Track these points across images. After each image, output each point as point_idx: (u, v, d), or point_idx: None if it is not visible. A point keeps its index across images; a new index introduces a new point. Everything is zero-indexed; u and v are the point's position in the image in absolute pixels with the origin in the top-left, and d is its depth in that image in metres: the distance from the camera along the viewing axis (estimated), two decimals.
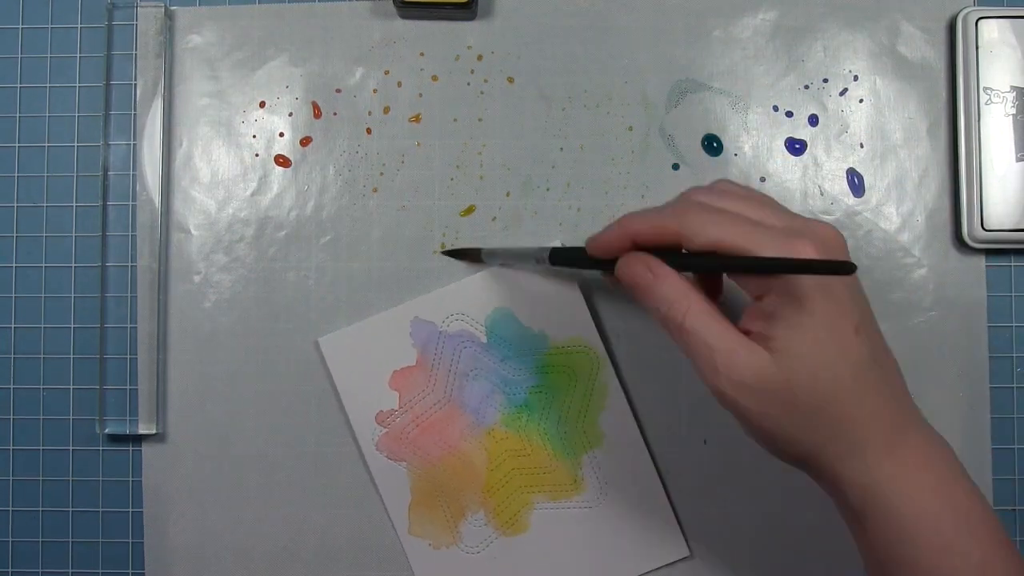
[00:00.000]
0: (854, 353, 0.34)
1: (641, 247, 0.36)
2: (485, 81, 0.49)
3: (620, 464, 0.47)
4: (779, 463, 0.48)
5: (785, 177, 0.48)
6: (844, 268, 0.30)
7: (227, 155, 0.49)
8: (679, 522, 0.47)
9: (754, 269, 0.34)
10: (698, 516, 0.47)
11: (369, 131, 0.49)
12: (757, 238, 0.33)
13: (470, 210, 0.48)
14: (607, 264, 0.38)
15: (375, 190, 0.48)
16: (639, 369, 0.48)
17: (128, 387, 0.48)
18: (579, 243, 0.48)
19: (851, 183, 0.48)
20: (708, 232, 0.34)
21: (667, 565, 0.47)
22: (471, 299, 0.47)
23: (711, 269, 0.37)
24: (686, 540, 0.47)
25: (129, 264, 0.49)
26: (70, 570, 0.48)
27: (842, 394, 0.34)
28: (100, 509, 0.48)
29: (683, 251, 0.35)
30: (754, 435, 0.36)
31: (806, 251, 0.33)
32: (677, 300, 0.34)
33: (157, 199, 0.48)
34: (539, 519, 0.47)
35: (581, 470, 0.47)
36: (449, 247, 0.48)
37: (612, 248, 0.37)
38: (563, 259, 0.42)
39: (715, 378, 0.34)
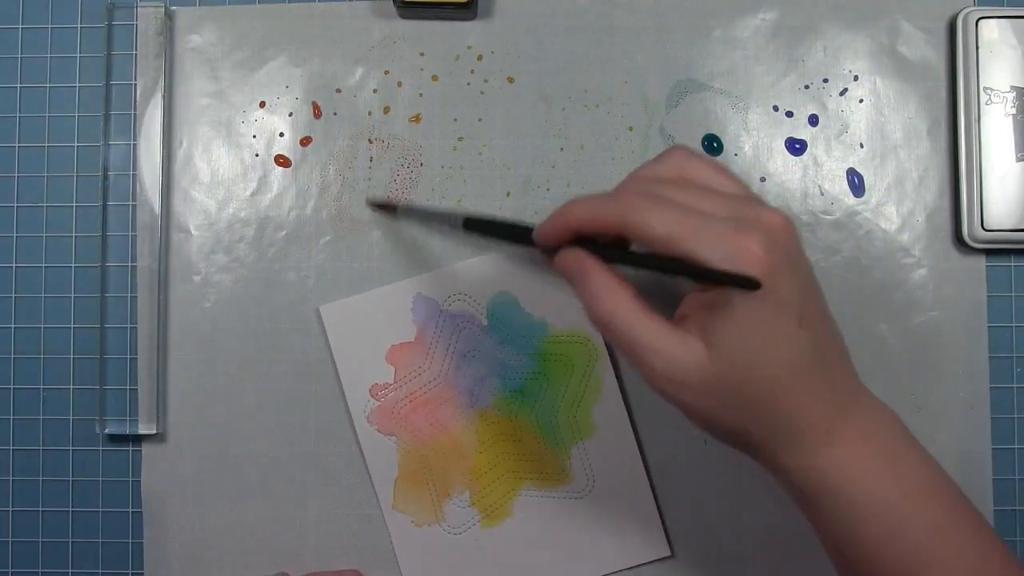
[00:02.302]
0: (795, 347, 0.34)
1: (585, 237, 0.35)
2: (485, 81, 0.49)
3: (609, 458, 0.47)
4: None
5: (785, 177, 0.48)
6: (749, 284, 0.31)
7: (227, 155, 0.49)
8: (663, 521, 0.47)
9: (677, 272, 0.34)
10: (688, 518, 0.47)
11: (369, 131, 0.49)
12: (702, 235, 0.32)
13: (469, 210, 0.48)
14: (526, 241, 0.37)
15: (375, 190, 0.48)
16: (634, 379, 0.48)
17: (128, 387, 0.48)
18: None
19: (851, 183, 0.48)
20: (651, 226, 0.33)
21: (647, 563, 0.47)
22: (475, 280, 0.47)
23: (645, 266, 0.35)
24: (669, 540, 0.47)
25: (129, 264, 0.49)
26: (70, 570, 0.48)
27: (780, 388, 0.34)
28: (100, 509, 0.48)
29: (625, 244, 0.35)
30: (695, 424, 0.35)
31: (751, 248, 0.32)
32: (604, 297, 0.34)
33: (157, 199, 0.48)
34: (523, 506, 0.47)
35: (570, 460, 0.47)
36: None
37: (556, 238, 0.36)
38: (478, 228, 0.40)
39: (652, 376, 0.34)
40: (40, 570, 0.48)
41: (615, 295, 0.34)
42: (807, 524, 0.47)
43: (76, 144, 0.49)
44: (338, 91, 0.49)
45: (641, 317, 0.34)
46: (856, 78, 0.49)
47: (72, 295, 0.49)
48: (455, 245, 0.48)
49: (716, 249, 0.32)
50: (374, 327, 0.47)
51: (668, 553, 0.47)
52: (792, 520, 0.47)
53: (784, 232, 0.34)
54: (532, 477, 0.47)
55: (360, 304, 0.48)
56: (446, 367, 0.47)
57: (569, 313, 0.47)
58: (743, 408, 0.34)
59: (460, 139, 0.49)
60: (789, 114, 0.48)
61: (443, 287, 0.48)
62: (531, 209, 0.48)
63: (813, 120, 0.48)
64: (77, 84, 0.49)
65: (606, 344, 0.47)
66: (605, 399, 0.47)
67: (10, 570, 0.48)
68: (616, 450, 0.47)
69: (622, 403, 0.47)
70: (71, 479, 0.48)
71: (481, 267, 0.48)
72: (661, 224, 0.33)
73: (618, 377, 0.47)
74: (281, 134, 0.49)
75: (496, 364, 0.47)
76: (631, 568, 0.47)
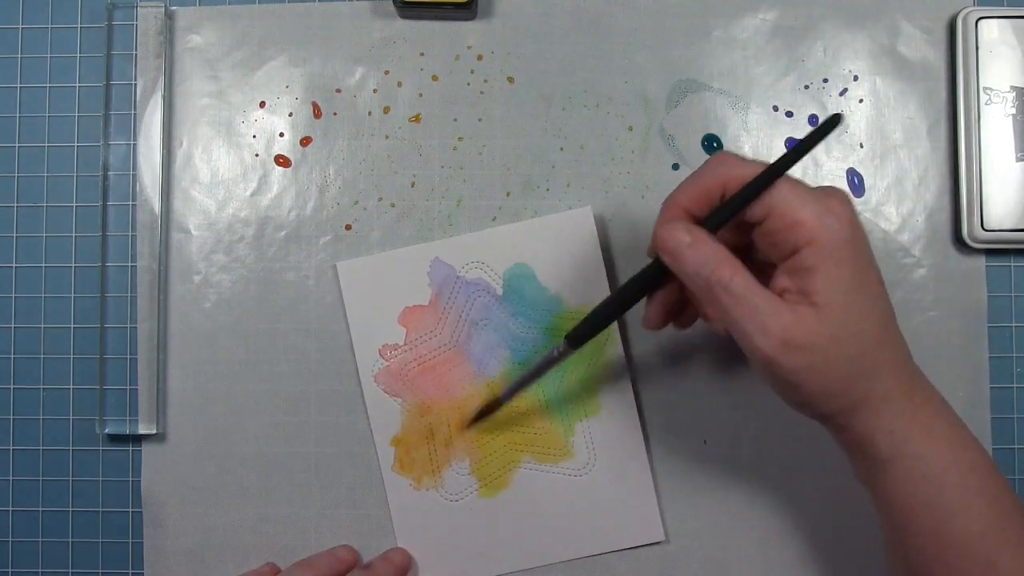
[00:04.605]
0: (881, 304, 0.36)
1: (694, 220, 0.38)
2: (485, 81, 0.49)
3: (612, 439, 0.47)
4: (775, 465, 0.48)
5: None
6: (835, 120, 0.35)
7: (227, 155, 0.49)
8: (660, 506, 0.47)
9: (780, 171, 0.36)
10: (685, 505, 0.48)
11: (369, 131, 0.49)
12: (790, 185, 0.35)
13: (469, 210, 0.48)
14: (640, 294, 0.39)
15: (375, 190, 0.48)
16: (642, 367, 0.48)
17: (128, 387, 0.48)
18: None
19: (851, 183, 0.48)
20: (748, 172, 0.36)
21: (640, 547, 0.47)
22: (494, 250, 0.47)
23: (746, 198, 0.36)
24: (664, 525, 0.47)
25: (129, 264, 0.49)
26: (70, 570, 0.48)
27: (875, 344, 0.35)
28: (100, 509, 0.48)
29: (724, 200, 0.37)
30: (791, 395, 0.36)
31: (835, 206, 0.35)
32: (722, 263, 0.35)
33: (157, 199, 0.48)
34: (522, 478, 0.47)
35: (573, 437, 0.47)
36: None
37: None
38: (584, 334, 0.41)
39: (764, 339, 0.34)
40: (40, 570, 0.48)
41: (732, 262, 0.35)
42: (799, 523, 0.47)
43: (76, 144, 0.49)
44: (338, 91, 0.49)
45: (757, 285, 0.35)
46: (856, 78, 0.49)
47: (72, 295, 0.49)
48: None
49: (806, 200, 0.35)
50: (389, 287, 0.48)
51: (662, 538, 0.47)
52: (785, 518, 0.47)
53: (851, 200, 0.36)
54: (534, 450, 0.47)
55: (377, 263, 0.48)
56: (457, 333, 0.47)
57: (585, 290, 0.47)
58: (844, 369, 0.35)
59: (460, 139, 0.49)
60: (789, 114, 0.48)
61: (461, 253, 0.48)
62: (531, 209, 0.48)
63: (813, 120, 0.48)
64: (77, 84, 0.49)
65: (620, 327, 0.47)
66: (613, 380, 0.47)
67: (10, 570, 0.48)
68: (620, 431, 0.47)
69: (630, 385, 0.47)
70: (71, 479, 0.48)
71: (501, 237, 0.48)
72: (755, 166, 0.36)
73: (628, 359, 0.47)
74: (281, 134, 0.49)
75: (507, 335, 0.47)
76: (624, 549, 0.47)
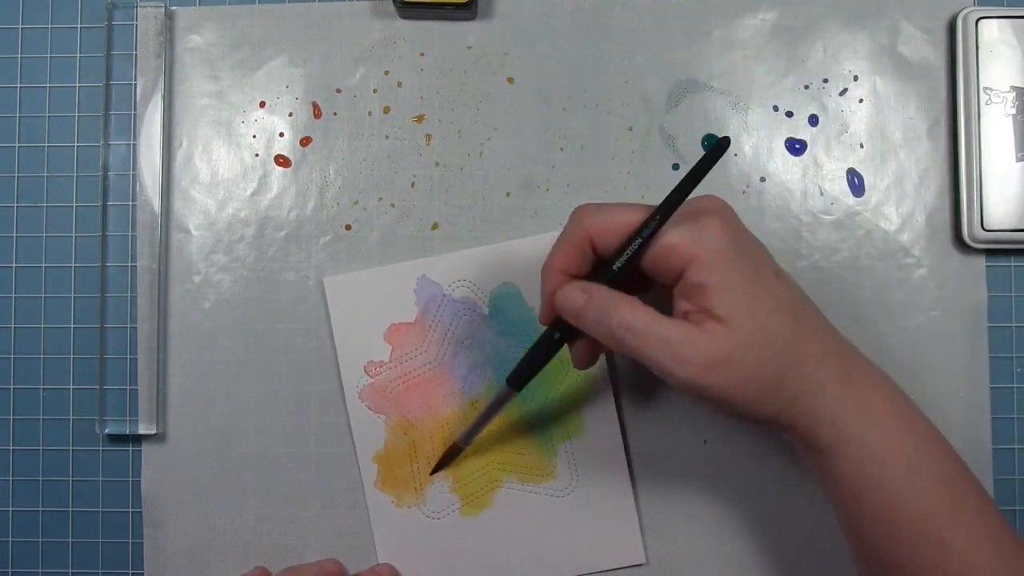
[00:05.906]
0: (785, 296, 0.36)
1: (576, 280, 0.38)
2: (485, 81, 0.49)
3: (595, 460, 0.47)
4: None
5: (785, 177, 0.48)
6: (724, 143, 0.35)
7: (227, 155, 0.49)
8: (641, 529, 0.47)
9: (676, 202, 0.35)
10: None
11: (369, 131, 0.49)
12: (655, 208, 0.36)
13: (469, 210, 0.48)
14: (559, 333, 0.39)
15: (375, 190, 0.48)
16: (639, 368, 0.48)
17: (128, 387, 0.48)
18: None
19: (851, 183, 0.48)
20: (615, 219, 0.36)
21: (621, 569, 0.47)
22: (481, 269, 0.47)
23: (632, 249, 0.36)
24: (645, 548, 0.47)
25: (129, 264, 0.49)
26: (70, 570, 0.48)
27: (792, 339, 0.35)
28: (100, 509, 0.48)
29: (602, 259, 0.37)
30: (727, 410, 0.36)
31: (710, 222, 0.35)
32: (618, 306, 0.35)
33: (157, 199, 0.48)
34: (504, 498, 0.47)
35: (556, 458, 0.47)
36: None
37: (552, 294, 0.38)
38: (524, 374, 0.41)
39: (684, 368, 0.34)
40: (40, 570, 0.48)
41: (629, 303, 0.35)
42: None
43: (76, 144, 0.49)
44: (338, 91, 0.49)
45: (659, 318, 0.35)
46: (856, 78, 0.49)
47: (72, 295, 0.49)
48: (459, 240, 0.48)
49: (681, 230, 0.35)
50: (375, 304, 0.47)
51: (643, 561, 0.47)
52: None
53: (727, 206, 0.37)
54: (516, 470, 0.47)
55: (364, 280, 0.48)
56: (443, 351, 0.47)
57: None
58: (769, 374, 0.35)
59: (460, 139, 0.49)
60: (789, 114, 0.48)
61: (448, 272, 0.48)
62: (531, 209, 0.48)
63: (813, 120, 0.48)
64: (77, 84, 0.49)
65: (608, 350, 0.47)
66: (597, 401, 0.47)
67: (10, 570, 0.48)
68: (603, 453, 0.47)
69: (614, 406, 0.47)
70: (71, 479, 0.48)
71: (488, 256, 0.48)
72: (623, 214, 0.36)
73: (613, 381, 0.47)
74: (281, 134, 0.49)
75: (493, 354, 0.47)
76: (604, 572, 0.47)
